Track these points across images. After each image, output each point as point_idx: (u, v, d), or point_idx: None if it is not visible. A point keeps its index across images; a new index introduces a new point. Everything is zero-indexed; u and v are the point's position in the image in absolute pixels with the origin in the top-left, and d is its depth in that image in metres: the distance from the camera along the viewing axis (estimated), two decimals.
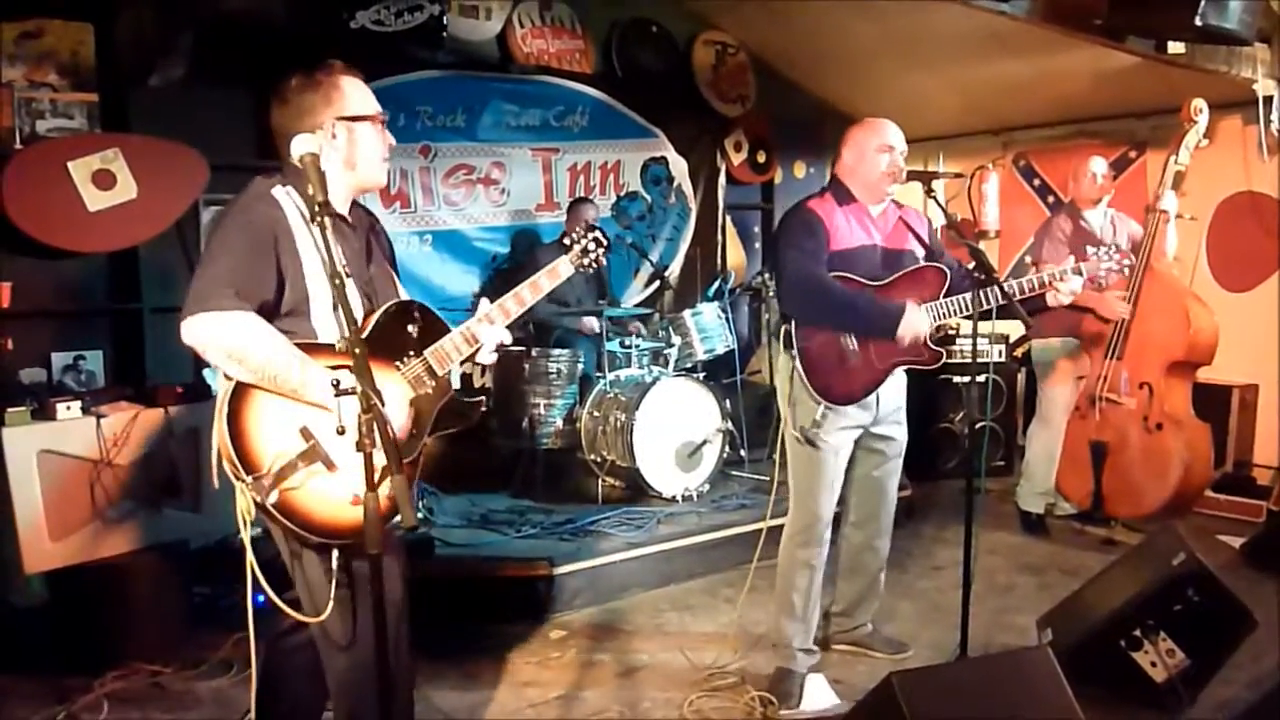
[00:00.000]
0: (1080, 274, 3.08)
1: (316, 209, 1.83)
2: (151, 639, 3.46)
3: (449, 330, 2.28)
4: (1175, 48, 4.12)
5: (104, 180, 3.97)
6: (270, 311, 2.02)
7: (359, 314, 2.08)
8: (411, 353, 2.20)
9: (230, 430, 1.96)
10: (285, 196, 2.07)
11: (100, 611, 3.45)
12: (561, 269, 2.44)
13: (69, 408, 3.48)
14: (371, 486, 1.72)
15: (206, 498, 3.66)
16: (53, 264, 4.08)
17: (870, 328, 3.10)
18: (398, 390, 2.15)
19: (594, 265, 2.52)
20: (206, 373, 4.36)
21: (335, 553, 2.03)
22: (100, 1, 4.06)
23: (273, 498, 1.95)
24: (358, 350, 1.74)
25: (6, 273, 3.92)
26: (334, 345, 1.85)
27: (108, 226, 3.99)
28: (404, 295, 2.32)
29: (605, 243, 2.56)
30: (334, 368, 1.94)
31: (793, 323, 3.14)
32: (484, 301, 2.35)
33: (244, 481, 1.94)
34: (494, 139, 5.55)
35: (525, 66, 5.58)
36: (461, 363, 2.32)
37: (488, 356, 2.35)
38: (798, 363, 3.12)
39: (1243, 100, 4.80)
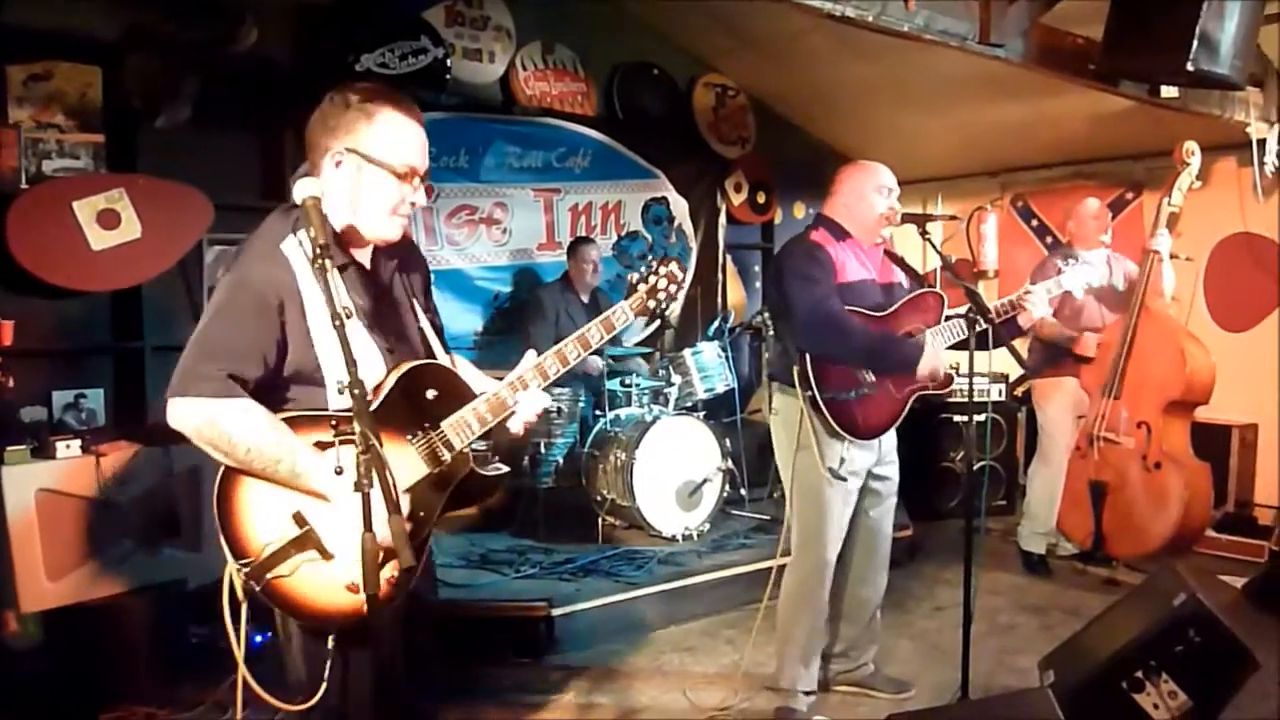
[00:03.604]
0: (1060, 286, 3.15)
1: (318, 251, 1.73)
2: (147, 680, 3.43)
3: (472, 396, 2.06)
4: (1169, 91, 4.17)
5: (108, 220, 4.01)
6: (272, 379, 1.89)
7: (379, 366, 1.95)
8: (427, 424, 1.98)
9: (220, 511, 1.84)
10: (296, 251, 1.88)
11: (95, 652, 3.42)
12: (617, 318, 2.22)
13: (69, 446, 3.49)
14: (369, 526, 1.69)
15: (206, 537, 3.65)
16: (55, 302, 4.10)
17: (891, 366, 3.10)
18: (409, 465, 1.96)
19: (663, 308, 2.28)
20: None
21: (330, 639, 1.90)
22: (108, 45, 4.12)
23: (262, 583, 1.83)
24: (356, 391, 1.70)
25: (9, 311, 3.93)
26: (337, 409, 1.80)
27: (111, 266, 4.02)
28: (434, 345, 2.12)
29: (681, 276, 2.29)
30: (337, 433, 1.81)
31: (808, 361, 3.07)
32: (530, 354, 2.14)
33: (234, 566, 1.83)
34: (496, 180, 5.61)
35: (528, 109, 5.65)
36: (488, 432, 2.09)
37: (519, 426, 2.14)
38: (819, 400, 3.06)
39: (1237, 143, 4.85)
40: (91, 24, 4.11)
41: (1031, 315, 3.14)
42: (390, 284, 2.09)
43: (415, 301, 2.14)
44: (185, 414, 1.85)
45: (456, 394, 2.05)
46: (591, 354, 5.08)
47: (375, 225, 1.98)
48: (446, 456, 2.00)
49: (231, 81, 4.32)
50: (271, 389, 1.90)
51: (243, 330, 1.86)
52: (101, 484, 3.48)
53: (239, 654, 1.91)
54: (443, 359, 2.14)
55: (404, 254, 2.15)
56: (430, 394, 2.00)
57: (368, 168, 1.94)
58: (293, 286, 1.87)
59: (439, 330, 2.22)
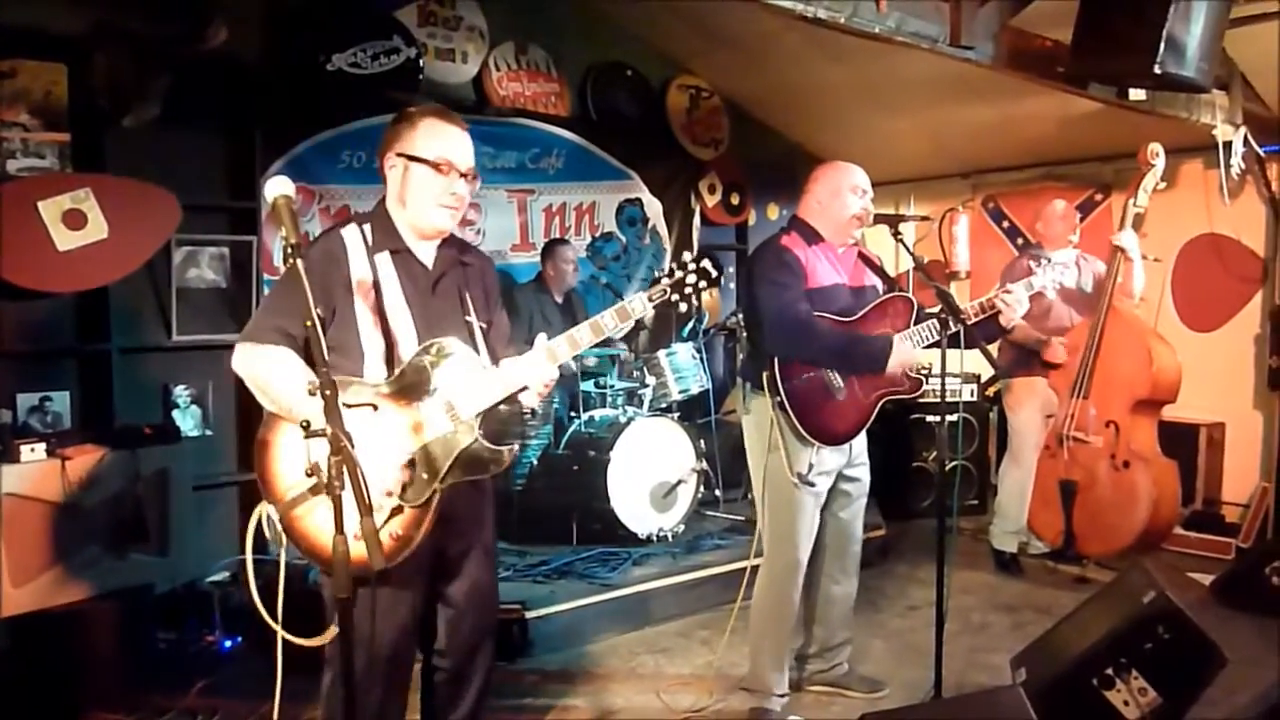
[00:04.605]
0: (1031, 287, 3.17)
1: (288, 251, 1.82)
2: (114, 687, 3.38)
3: (484, 374, 2.24)
4: (1136, 94, 4.22)
5: (74, 220, 3.94)
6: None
7: (414, 347, 2.18)
8: (437, 394, 2.17)
9: (259, 456, 2.13)
10: (354, 234, 2.21)
11: (61, 659, 3.36)
12: (635, 307, 2.31)
13: (34, 450, 3.42)
14: (339, 529, 1.70)
15: (173, 541, 3.61)
16: (20, 303, 4.03)
17: (860, 366, 3.11)
18: (405, 429, 2.15)
19: (692, 300, 2.34)
20: (175, 414, 4.32)
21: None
22: (74, 42, 4.06)
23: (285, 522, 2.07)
24: (328, 392, 1.73)
25: None
26: (366, 380, 2.10)
27: (77, 266, 3.95)
28: (479, 342, 2.30)
29: (715, 274, 2.35)
30: (364, 403, 2.09)
31: (776, 365, 3.09)
32: (541, 337, 2.29)
33: (265, 507, 2.07)
34: None
35: (501, 109, 5.62)
36: (502, 404, 2.27)
37: (533, 398, 2.31)
38: (787, 406, 3.07)
39: (1203, 145, 4.92)
40: (57, 20, 4.03)
41: (1013, 316, 3.14)
42: (444, 279, 2.31)
43: (469, 302, 2.34)
44: (238, 357, 2.15)
45: (470, 371, 2.22)
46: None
47: (425, 216, 2.25)
48: (450, 426, 2.16)
49: (200, 80, 4.27)
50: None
51: (293, 296, 2.02)
52: (67, 488, 3.42)
53: (253, 591, 2.04)
54: (483, 357, 2.29)
55: (470, 259, 2.42)
56: (444, 369, 2.17)
57: (412, 166, 2.23)
58: (343, 263, 2.17)
59: (498, 332, 2.43)
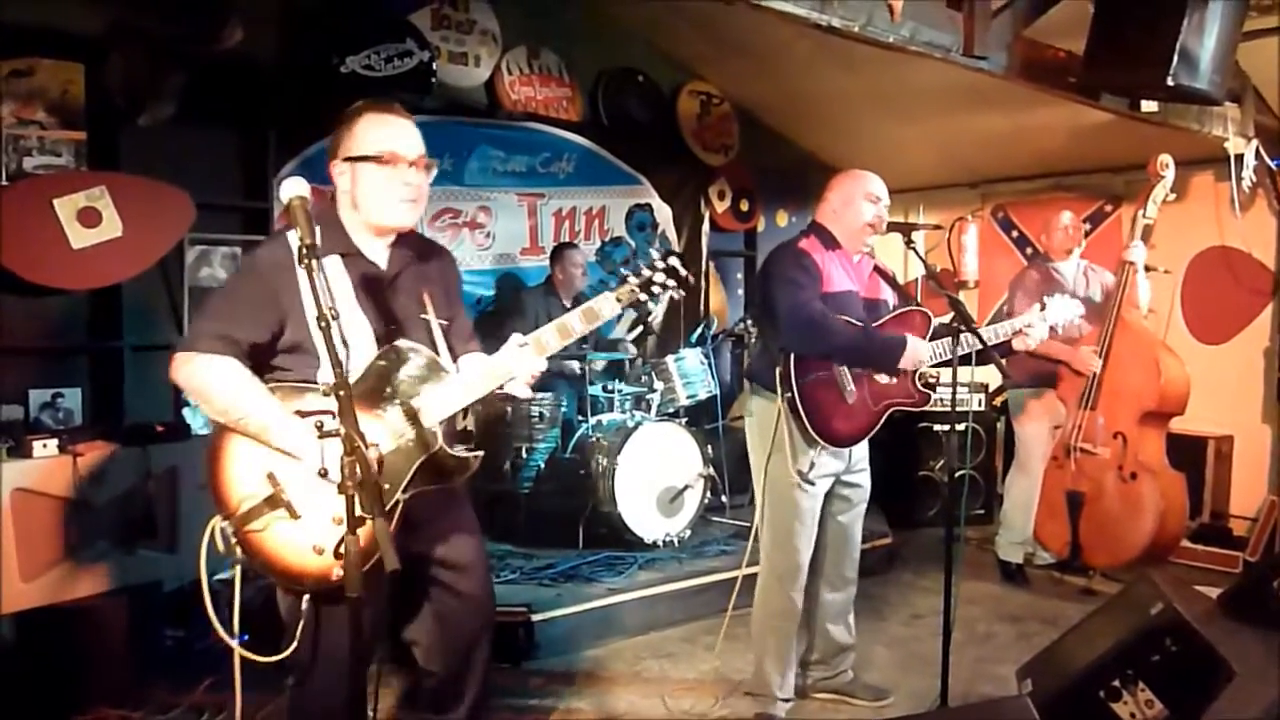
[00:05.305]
0: (1044, 320, 3.17)
1: (304, 251, 1.82)
2: (121, 683, 3.39)
3: (447, 380, 2.17)
4: (1148, 106, 4.22)
5: (89, 218, 3.97)
6: (267, 350, 2.09)
7: (371, 350, 2.11)
8: (397, 401, 2.11)
9: (209, 468, 2.04)
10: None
11: (69, 654, 3.38)
12: (604, 308, 2.25)
13: (45, 446, 3.45)
14: (353, 529, 1.71)
15: (182, 538, 3.62)
16: (33, 300, 4.05)
17: (875, 360, 3.13)
18: (376, 438, 2.05)
19: (655, 302, 2.32)
20: (186, 411, 4.34)
21: (305, 597, 2.04)
22: (91, 41, 4.09)
23: (240, 537, 2.01)
24: (342, 393, 1.74)
25: None
26: (322, 384, 1.91)
27: (91, 264, 3.98)
28: (439, 341, 2.23)
29: (684, 273, 2.28)
30: (322, 410, 1.99)
31: (791, 362, 3.10)
32: (515, 336, 2.24)
33: (218, 520, 2.00)
34: (480, 184, 5.59)
35: (513, 113, 5.64)
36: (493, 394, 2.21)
37: (521, 389, 2.25)
38: (799, 404, 3.09)
39: (1215, 158, 4.91)
40: (74, 20, 4.06)
41: (1028, 344, 3.17)
42: (400, 278, 2.23)
43: (430, 299, 2.25)
44: (177, 366, 2.06)
45: (432, 377, 2.16)
46: (573, 359, 5.12)
47: (382, 214, 2.16)
48: (411, 433, 2.10)
49: (215, 80, 4.29)
50: (269, 356, 2.11)
51: (238, 300, 2.08)
52: (78, 484, 3.44)
53: (209, 606, 2.08)
54: (443, 356, 2.22)
55: (427, 255, 2.33)
56: (404, 374, 2.12)
57: (357, 165, 2.14)
58: (291, 269, 2.02)
59: (458, 330, 2.36)
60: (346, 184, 2.16)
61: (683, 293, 2.29)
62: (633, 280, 2.27)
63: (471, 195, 5.57)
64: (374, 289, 2.17)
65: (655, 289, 2.27)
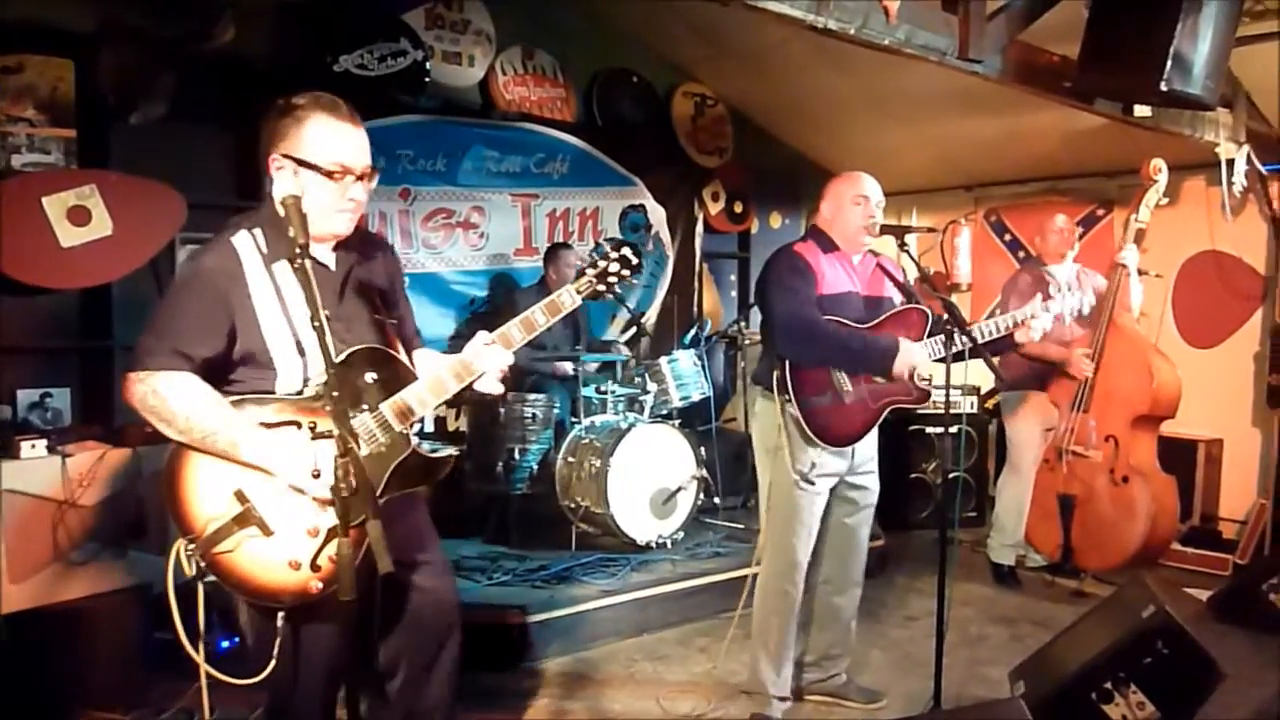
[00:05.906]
0: (1048, 311, 3.18)
1: (298, 250, 1.78)
2: (111, 685, 3.37)
3: (415, 380, 2.13)
4: (1141, 110, 4.23)
5: (79, 216, 3.95)
6: (222, 362, 2.00)
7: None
8: (365, 406, 2.06)
9: (168, 490, 1.96)
10: (246, 242, 2.03)
11: (59, 657, 3.35)
12: (565, 301, 2.24)
13: (34, 446, 3.42)
14: (347, 531, 1.70)
15: (172, 540, 3.58)
16: (22, 299, 4.02)
17: (867, 365, 3.14)
18: (334, 444, 1.89)
19: (615, 292, 2.31)
20: None
21: (280, 615, 1.97)
22: (82, 38, 4.06)
23: (208, 559, 1.94)
24: (335, 394, 1.73)
25: None
26: (284, 394, 1.90)
27: (81, 263, 3.95)
28: (393, 339, 2.19)
29: (635, 260, 2.29)
30: (287, 421, 1.95)
31: (787, 366, 3.14)
32: (481, 334, 2.21)
33: (182, 543, 1.93)
34: (474, 184, 5.58)
35: (507, 113, 5.64)
36: (462, 393, 2.17)
37: (492, 385, 2.20)
38: (794, 406, 3.12)
39: (1207, 162, 4.93)
40: (65, 16, 4.04)
41: (1031, 335, 3.17)
42: (350, 278, 2.16)
43: (380, 297, 2.21)
44: (132, 384, 1.96)
45: (398, 379, 2.11)
46: (567, 359, 5.10)
47: (319, 223, 2.03)
48: (382, 438, 2.06)
49: (207, 79, 4.27)
50: (223, 369, 2.02)
51: (188, 312, 1.98)
52: (67, 485, 3.41)
53: (178, 625, 2.02)
54: (400, 353, 2.19)
55: (371, 252, 2.25)
56: (370, 377, 2.07)
57: (302, 171, 2.03)
58: (239, 276, 1.99)
59: (407, 326, 2.32)
60: (287, 180, 2.03)
61: (636, 279, 2.29)
62: (590, 272, 2.28)
63: (465, 195, 5.56)
64: (326, 293, 2.06)
65: (611, 279, 2.27)
